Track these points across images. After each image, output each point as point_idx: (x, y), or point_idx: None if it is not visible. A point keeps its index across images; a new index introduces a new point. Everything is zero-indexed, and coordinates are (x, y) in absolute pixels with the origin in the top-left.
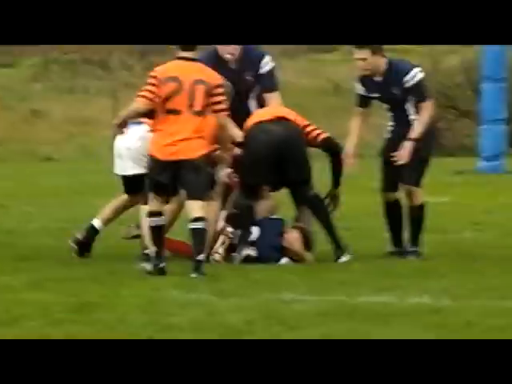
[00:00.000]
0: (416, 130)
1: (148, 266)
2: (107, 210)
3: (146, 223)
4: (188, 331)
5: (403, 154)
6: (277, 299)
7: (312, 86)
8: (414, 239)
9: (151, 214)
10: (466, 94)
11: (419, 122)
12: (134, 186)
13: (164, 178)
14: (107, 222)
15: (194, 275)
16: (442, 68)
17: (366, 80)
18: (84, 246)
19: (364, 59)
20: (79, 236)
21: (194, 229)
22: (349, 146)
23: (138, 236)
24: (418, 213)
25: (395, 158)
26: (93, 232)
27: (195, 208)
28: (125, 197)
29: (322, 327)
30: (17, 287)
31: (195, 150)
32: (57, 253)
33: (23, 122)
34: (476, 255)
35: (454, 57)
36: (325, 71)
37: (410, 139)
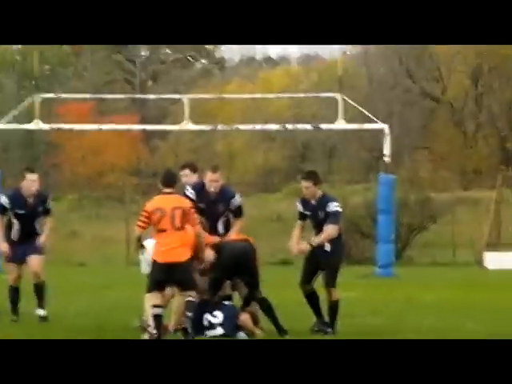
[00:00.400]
0: (317, 240)
1: (145, 336)
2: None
3: (149, 310)
4: None
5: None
6: None
7: (260, 216)
8: (331, 323)
9: (154, 306)
10: (366, 221)
11: (324, 235)
12: None
13: (162, 277)
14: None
15: None
16: (350, 204)
17: (304, 202)
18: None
19: (307, 187)
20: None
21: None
22: (292, 242)
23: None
24: (334, 305)
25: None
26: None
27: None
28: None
29: None
30: None
31: (181, 255)
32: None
33: (64, 240)
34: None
35: (358, 197)
36: (271, 205)
37: (310, 243)
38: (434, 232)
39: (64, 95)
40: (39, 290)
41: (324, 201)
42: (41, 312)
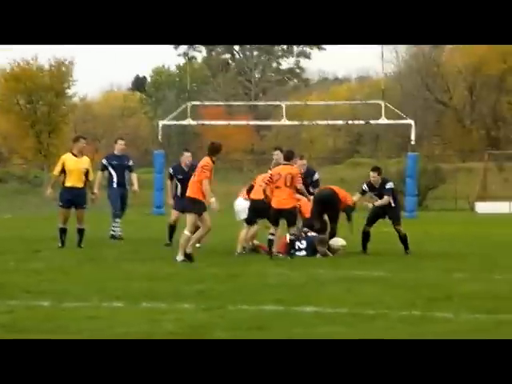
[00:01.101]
0: (378, 203)
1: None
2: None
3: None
4: None
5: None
6: None
7: (330, 179)
8: (406, 247)
9: (271, 234)
10: (399, 183)
11: (383, 201)
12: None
13: (275, 216)
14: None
15: None
16: (389, 172)
17: (370, 185)
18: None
19: (374, 176)
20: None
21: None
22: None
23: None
24: (404, 236)
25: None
26: None
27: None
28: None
29: None
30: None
31: (289, 203)
32: None
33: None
34: (402, 255)
35: (393, 167)
36: (337, 173)
37: (374, 203)
38: (443, 190)
39: (206, 103)
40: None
41: (383, 182)
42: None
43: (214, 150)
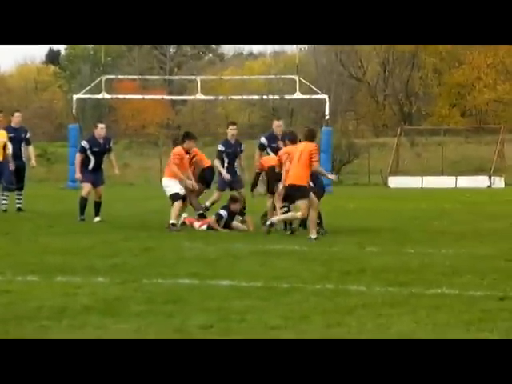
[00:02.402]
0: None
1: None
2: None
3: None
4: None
5: None
6: None
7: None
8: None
9: (283, 207)
10: None
11: None
12: None
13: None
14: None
15: None
16: None
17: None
18: None
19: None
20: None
21: None
22: None
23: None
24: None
25: None
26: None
27: None
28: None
29: None
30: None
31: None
32: None
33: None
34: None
35: None
36: (253, 148)
37: None
38: (357, 164)
39: (120, 76)
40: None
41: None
42: (97, 218)
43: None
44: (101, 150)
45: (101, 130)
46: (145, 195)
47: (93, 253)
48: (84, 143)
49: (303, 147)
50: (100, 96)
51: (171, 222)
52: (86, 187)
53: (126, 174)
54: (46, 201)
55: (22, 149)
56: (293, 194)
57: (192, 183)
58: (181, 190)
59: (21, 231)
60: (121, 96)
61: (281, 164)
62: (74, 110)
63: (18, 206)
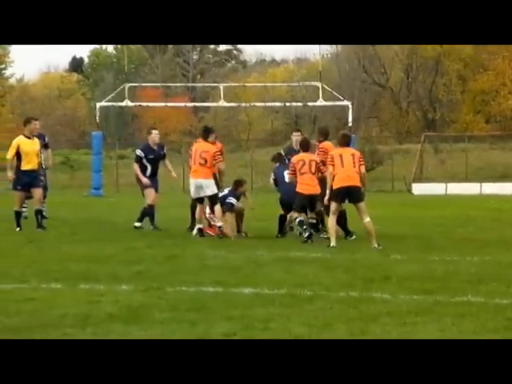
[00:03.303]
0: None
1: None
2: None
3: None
4: None
5: None
6: None
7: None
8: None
9: (298, 217)
10: None
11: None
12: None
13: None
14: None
15: None
16: None
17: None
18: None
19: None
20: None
21: None
22: None
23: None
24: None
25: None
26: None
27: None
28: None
29: None
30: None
31: (317, 189)
32: None
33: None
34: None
35: None
36: None
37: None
38: (380, 171)
39: (143, 84)
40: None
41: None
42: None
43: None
44: (156, 157)
45: (155, 136)
46: (168, 203)
47: (116, 260)
48: (139, 152)
49: (353, 151)
50: (123, 104)
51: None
52: (152, 194)
53: None
54: (69, 208)
55: (42, 155)
56: (356, 196)
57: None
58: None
59: (44, 239)
60: (144, 104)
61: (294, 173)
62: (97, 118)
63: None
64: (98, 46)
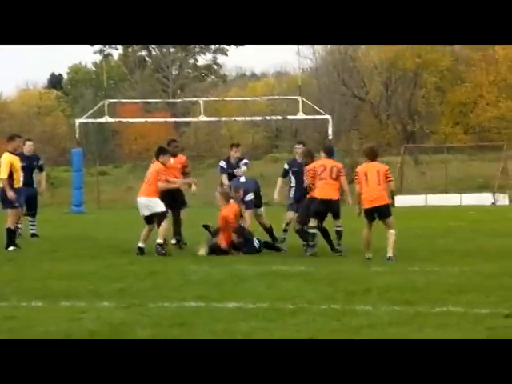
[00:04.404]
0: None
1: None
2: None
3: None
4: None
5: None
6: None
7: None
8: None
9: (313, 228)
10: None
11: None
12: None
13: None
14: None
15: None
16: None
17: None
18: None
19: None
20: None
21: None
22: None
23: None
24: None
25: None
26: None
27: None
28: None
29: None
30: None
31: (335, 195)
32: None
33: (124, 192)
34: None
35: None
36: (256, 169)
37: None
38: None
39: (123, 100)
40: None
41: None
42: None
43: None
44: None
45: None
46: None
47: (98, 277)
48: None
49: (379, 167)
50: (103, 120)
51: (160, 241)
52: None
53: (131, 197)
54: (49, 225)
55: (34, 176)
56: (384, 213)
57: (185, 181)
58: (164, 208)
59: (24, 256)
60: (124, 120)
61: (313, 177)
62: (77, 135)
63: (32, 231)
64: (76, 63)
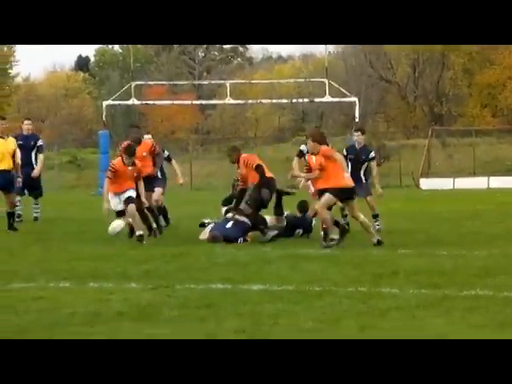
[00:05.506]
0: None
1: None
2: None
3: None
4: None
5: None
6: None
7: (275, 157)
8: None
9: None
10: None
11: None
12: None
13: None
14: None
15: None
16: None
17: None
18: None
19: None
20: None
21: None
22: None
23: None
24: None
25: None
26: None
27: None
28: None
29: None
30: None
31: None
32: None
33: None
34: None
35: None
36: (283, 151)
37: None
38: (388, 167)
39: (149, 82)
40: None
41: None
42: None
43: None
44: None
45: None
46: (175, 201)
47: (125, 259)
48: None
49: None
50: (129, 102)
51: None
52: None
53: None
54: (76, 207)
55: (33, 156)
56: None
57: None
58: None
59: (52, 238)
60: (150, 102)
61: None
62: (103, 117)
63: (35, 215)
64: (103, 45)
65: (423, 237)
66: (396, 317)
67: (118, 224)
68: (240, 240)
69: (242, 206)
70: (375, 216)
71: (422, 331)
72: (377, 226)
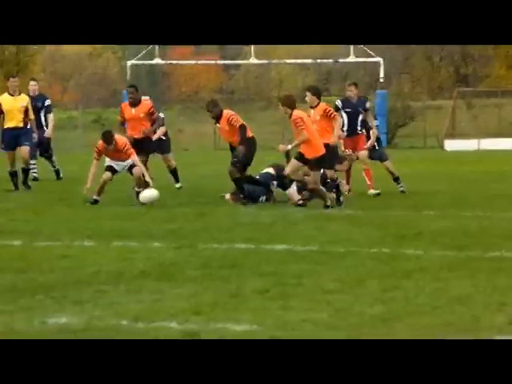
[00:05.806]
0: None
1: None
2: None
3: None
4: None
5: None
6: None
7: None
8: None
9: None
10: None
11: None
12: None
13: None
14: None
15: None
16: None
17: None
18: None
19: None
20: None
21: None
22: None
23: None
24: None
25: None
26: None
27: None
28: None
29: None
30: None
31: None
32: None
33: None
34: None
35: None
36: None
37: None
38: (412, 127)
39: None
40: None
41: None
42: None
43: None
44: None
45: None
46: (199, 161)
47: (148, 218)
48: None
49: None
50: (154, 62)
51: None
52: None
53: (180, 139)
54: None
55: (42, 117)
56: None
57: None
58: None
59: (75, 197)
60: (174, 62)
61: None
62: (128, 76)
63: (34, 174)
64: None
65: (447, 198)
66: (420, 278)
67: (150, 193)
68: (262, 199)
69: (229, 168)
70: (396, 179)
71: (446, 293)
72: (400, 188)
